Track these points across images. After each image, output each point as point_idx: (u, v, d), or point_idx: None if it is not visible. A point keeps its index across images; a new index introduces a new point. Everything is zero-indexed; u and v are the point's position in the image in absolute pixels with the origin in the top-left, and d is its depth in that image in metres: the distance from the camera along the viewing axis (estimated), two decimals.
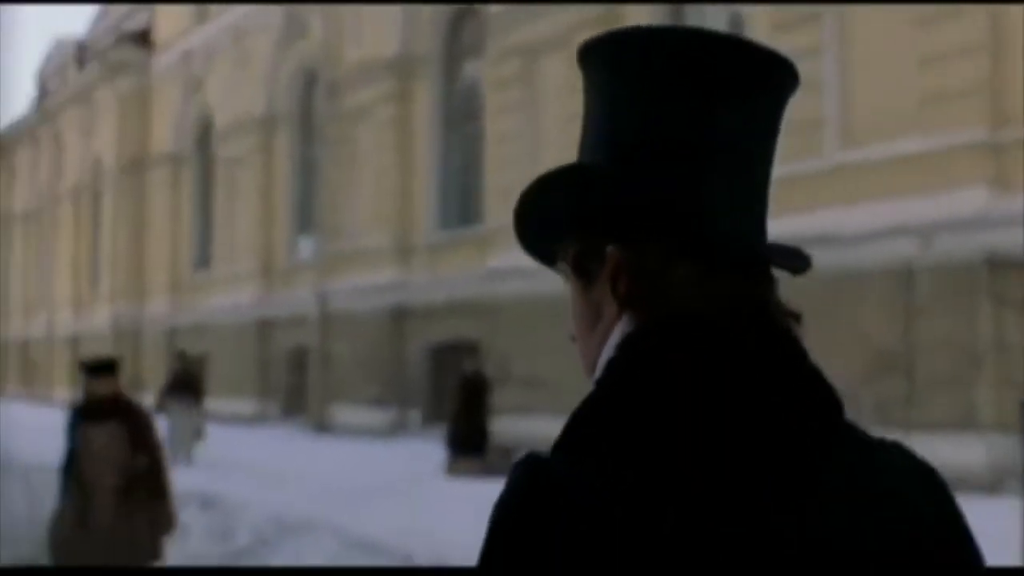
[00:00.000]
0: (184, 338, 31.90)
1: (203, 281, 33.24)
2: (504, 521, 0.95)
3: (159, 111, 36.65)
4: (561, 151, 18.39)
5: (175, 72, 35.37)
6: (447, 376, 20.79)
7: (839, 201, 13.84)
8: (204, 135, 34.17)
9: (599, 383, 1.03)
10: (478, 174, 22.06)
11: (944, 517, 1.05)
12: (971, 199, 12.60)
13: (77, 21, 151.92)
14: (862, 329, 13.42)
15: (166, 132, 36.02)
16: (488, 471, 14.08)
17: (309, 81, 28.64)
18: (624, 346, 1.01)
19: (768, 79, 1.06)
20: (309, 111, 28.68)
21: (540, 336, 18.49)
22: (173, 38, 35.65)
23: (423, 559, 9.37)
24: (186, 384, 18.80)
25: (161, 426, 10.82)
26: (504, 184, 19.55)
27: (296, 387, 26.86)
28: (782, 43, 10.89)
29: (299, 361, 26.81)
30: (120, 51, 37.97)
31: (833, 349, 13.57)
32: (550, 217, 1.09)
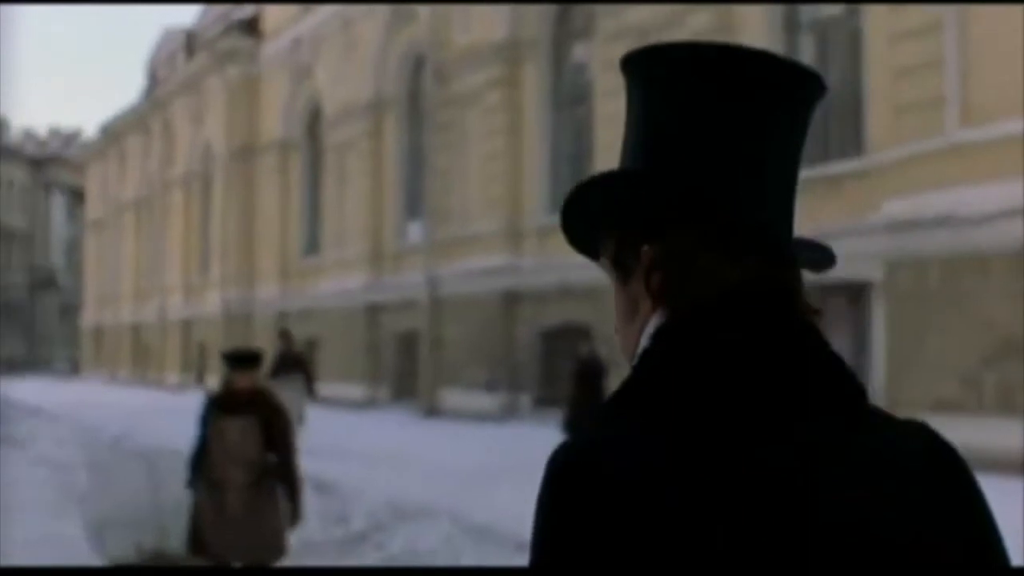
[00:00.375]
0: (293, 323, 32.46)
1: (312, 266, 33.83)
2: (549, 507, 1.01)
3: (268, 98, 37.37)
4: None
5: (283, 59, 36.02)
6: (557, 360, 20.96)
7: (960, 180, 13.71)
8: (313, 121, 34.80)
9: (634, 370, 1.09)
10: (587, 157, 22.16)
11: (963, 497, 1.11)
12: None
13: (186, 11, 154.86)
14: (984, 312, 13.30)
15: (275, 119, 36.71)
16: None
17: (417, 66, 28.95)
18: (657, 337, 1.09)
19: (795, 90, 1.14)
20: (417, 96, 29.01)
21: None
22: (281, 26, 36.29)
23: None
24: (293, 364, 18.27)
25: None
26: (613, 166, 19.67)
27: (406, 371, 27.21)
28: (903, 22, 10.96)
29: (409, 345, 27.21)
30: (229, 40, 38.77)
31: (954, 332, 13.60)
32: (590, 217, 1.18)
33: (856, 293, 16.25)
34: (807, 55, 18.10)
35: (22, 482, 14.44)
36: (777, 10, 18.31)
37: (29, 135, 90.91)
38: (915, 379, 14.20)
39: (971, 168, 13.61)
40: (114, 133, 53.60)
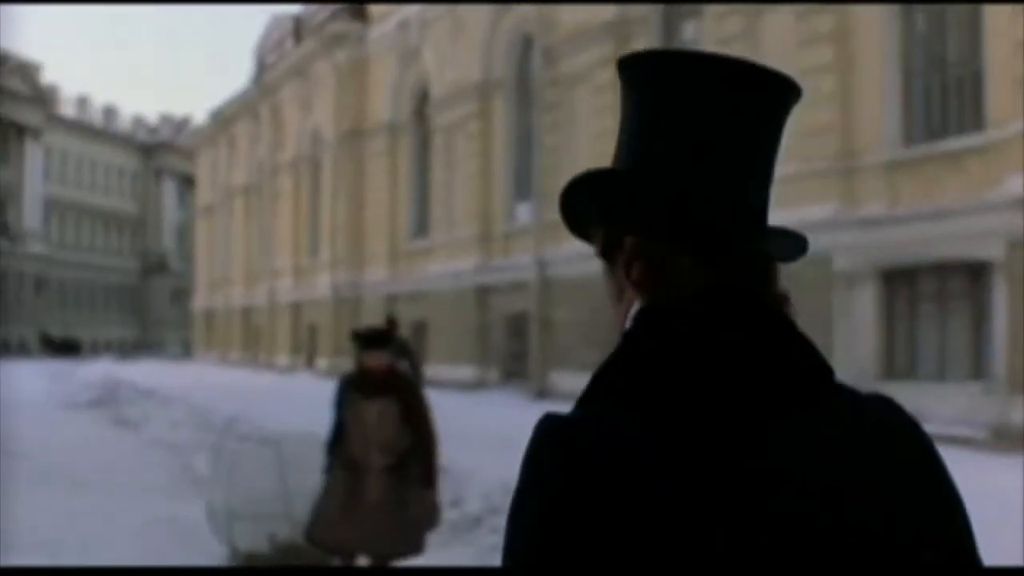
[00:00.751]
0: (402, 305, 32.87)
1: (421, 249, 34.17)
2: (531, 473, 1.11)
3: (375, 82, 37.81)
4: None
5: (391, 42, 36.40)
6: None
7: None
8: (420, 104, 35.13)
9: (617, 348, 1.19)
10: None
11: (927, 467, 1.20)
12: None
13: None
14: None
15: (383, 102, 37.13)
16: None
17: (525, 46, 29.09)
18: (636, 320, 1.20)
19: (769, 96, 1.23)
20: (525, 76, 29.15)
21: None
22: (388, 9, 36.66)
23: None
24: (399, 351, 18.12)
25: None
26: None
27: (516, 353, 27.41)
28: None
29: (518, 327, 27.43)
30: (337, 24, 39.23)
31: None
32: (581, 211, 1.28)
33: (976, 272, 16.06)
34: (922, 30, 17.90)
35: (137, 464, 14.96)
36: None
37: (140, 122, 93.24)
38: None
39: None
40: (224, 119, 54.65)
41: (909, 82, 18.05)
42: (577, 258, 24.39)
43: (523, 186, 28.38)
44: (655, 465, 1.06)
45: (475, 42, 30.69)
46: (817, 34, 18.70)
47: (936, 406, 14.29)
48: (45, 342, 73.56)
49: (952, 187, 16.35)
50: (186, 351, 67.76)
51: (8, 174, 75.20)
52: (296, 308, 43.00)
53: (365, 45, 38.48)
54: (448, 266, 31.18)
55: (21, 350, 70.82)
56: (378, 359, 6.84)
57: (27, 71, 76.81)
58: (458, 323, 29.66)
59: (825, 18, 18.69)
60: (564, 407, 1.20)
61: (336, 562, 7.04)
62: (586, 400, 1.16)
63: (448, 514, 10.98)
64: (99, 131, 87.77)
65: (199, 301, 59.90)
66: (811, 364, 1.21)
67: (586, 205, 1.26)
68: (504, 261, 28.51)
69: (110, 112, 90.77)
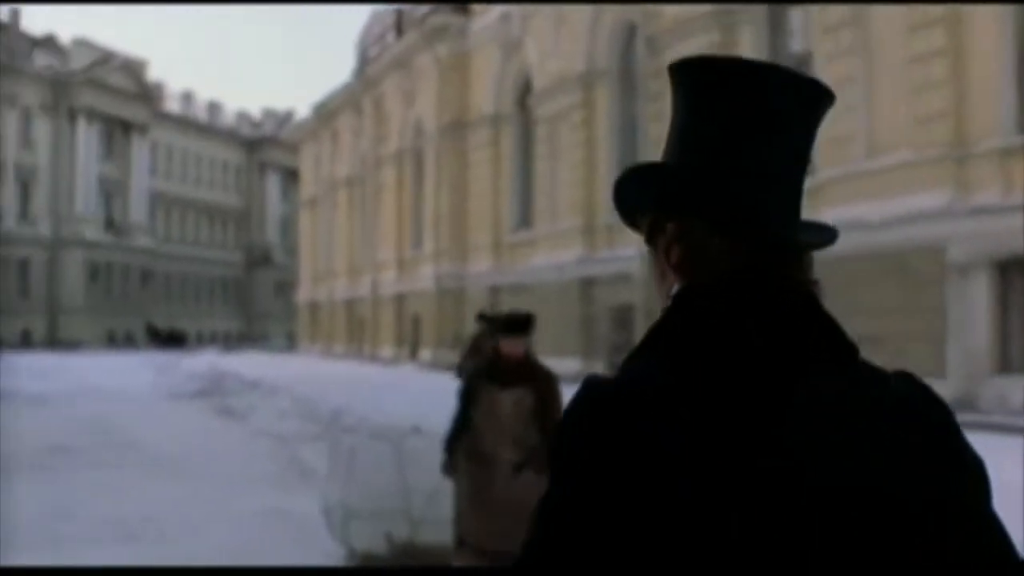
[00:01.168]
0: (506, 297, 33.06)
1: (524, 240, 34.37)
2: (573, 428, 1.23)
3: (478, 73, 38.14)
4: (898, 94, 18.21)
5: (493, 34, 36.69)
6: None
7: None
8: (523, 95, 35.33)
9: (657, 323, 1.31)
10: None
11: (949, 440, 1.29)
12: None
13: None
14: None
15: (485, 94, 37.46)
16: None
17: (628, 36, 29.15)
18: (675, 299, 1.31)
19: (803, 99, 1.34)
20: (629, 66, 29.21)
21: (879, 292, 18.33)
22: (490, 1, 36.91)
23: None
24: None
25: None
26: (838, 133, 19.43)
27: (620, 345, 27.35)
28: None
29: (623, 319, 27.44)
30: (438, 17, 39.63)
31: None
32: (631, 201, 1.40)
33: None
34: None
35: (243, 454, 15.04)
36: None
37: (244, 117, 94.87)
38: None
39: None
40: (326, 113, 55.41)
41: (1023, 67, 17.78)
42: None
43: None
44: (677, 446, 1.17)
45: (578, 32, 30.78)
46: (928, 19, 18.45)
47: None
48: (151, 334, 75.29)
49: None
50: (290, 343, 68.83)
51: (115, 170, 77.16)
52: (399, 300, 43.43)
53: (467, 37, 38.78)
54: (552, 258, 31.27)
55: (128, 342, 72.72)
56: (516, 346, 6.41)
57: (133, 68, 78.71)
58: (562, 315, 29.63)
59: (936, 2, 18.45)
60: None
61: (460, 561, 6.57)
62: (625, 365, 1.28)
63: None
64: (204, 126, 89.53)
65: (303, 293, 60.77)
66: (834, 342, 1.29)
67: (635, 196, 1.38)
68: (608, 252, 28.51)
69: (214, 107, 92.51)
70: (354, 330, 49.87)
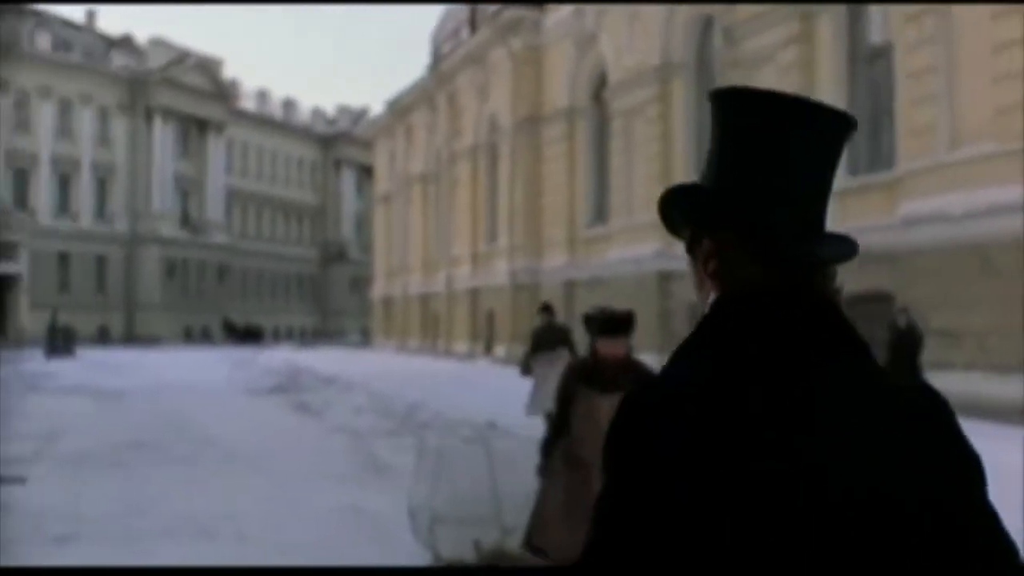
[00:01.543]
0: (581, 292, 33.11)
1: (600, 235, 34.36)
2: (611, 430, 1.43)
3: (552, 67, 38.20)
4: (980, 84, 17.94)
5: (567, 28, 36.74)
6: (858, 328, 20.65)
7: None
8: (598, 89, 35.34)
9: (697, 327, 1.49)
10: (887, 115, 21.78)
11: (948, 437, 1.42)
12: None
13: None
14: None
15: (560, 88, 37.48)
16: None
17: (705, 28, 29.06)
18: (712, 307, 1.49)
19: (828, 128, 1.51)
20: (705, 58, 29.14)
21: (962, 287, 18.12)
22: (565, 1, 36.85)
23: None
24: (556, 340, 16.89)
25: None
26: (919, 123, 19.27)
27: None
28: None
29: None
30: (512, 11, 39.71)
31: None
32: (673, 216, 1.57)
33: None
34: None
35: (319, 450, 15.14)
36: None
37: (318, 114, 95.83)
38: None
39: None
40: (400, 109, 55.74)
41: None
42: None
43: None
44: (675, 445, 1.35)
45: (653, 25, 30.74)
46: (1011, 7, 18.18)
47: None
48: (228, 329, 76.37)
49: None
50: (365, 339, 69.42)
51: (191, 167, 78.40)
52: (474, 295, 43.64)
53: (541, 32, 38.86)
54: (627, 252, 31.19)
55: (204, 337, 73.85)
56: (615, 347, 6.10)
57: (209, 67, 79.88)
58: (638, 310, 29.06)
59: None
60: None
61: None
62: (664, 368, 1.49)
63: None
64: (279, 124, 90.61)
65: (377, 289, 61.16)
66: (845, 347, 1.46)
67: (677, 211, 1.56)
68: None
69: (289, 105, 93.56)
70: (428, 326, 50.18)
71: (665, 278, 29.10)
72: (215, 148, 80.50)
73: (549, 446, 6.46)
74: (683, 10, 29.54)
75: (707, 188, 1.52)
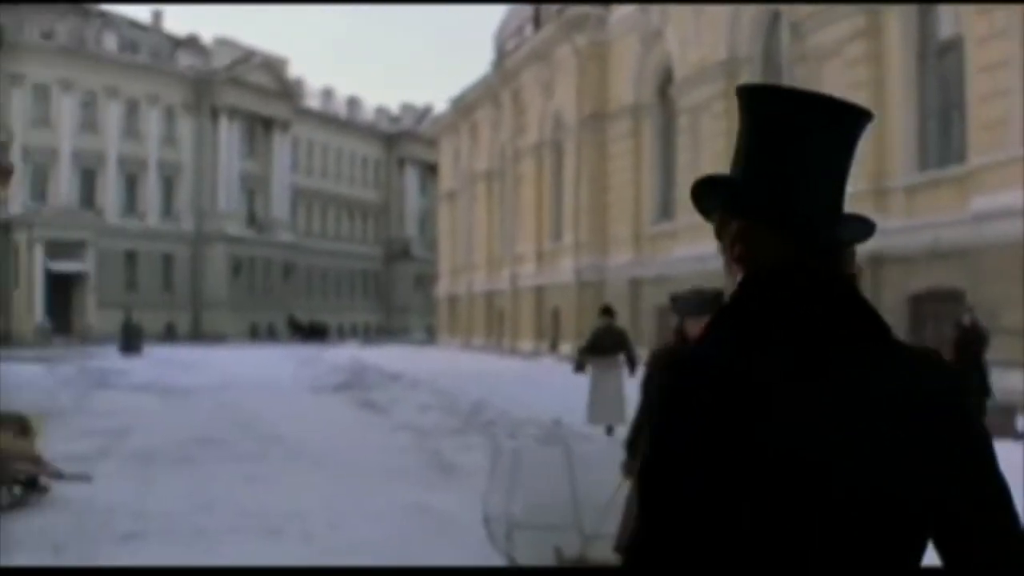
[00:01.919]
0: (647, 289, 33.15)
1: (666, 232, 34.32)
2: (666, 387, 1.57)
3: (617, 64, 38.23)
4: None
5: (632, 24, 36.78)
6: (926, 326, 20.47)
7: None
8: (664, 85, 35.37)
9: (725, 306, 1.61)
10: (957, 109, 21.63)
11: (958, 417, 1.54)
12: None
13: None
14: None
15: (625, 84, 37.52)
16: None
17: (772, 22, 28.97)
18: (739, 287, 1.61)
19: (844, 122, 1.64)
20: (772, 53, 29.05)
21: None
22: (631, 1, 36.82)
23: None
24: (614, 343, 16.63)
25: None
26: (991, 117, 19.13)
27: None
28: None
29: None
30: (577, 8, 39.83)
31: None
32: (705, 203, 1.71)
33: None
34: None
35: (385, 447, 15.22)
36: None
37: (382, 112, 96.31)
38: None
39: None
40: (464, 106, 56.10)
41: None
42: None
43: None
44: (745, 378, 1.50)
45: (719, 21, 30.70)
46: None
47: None
48: (293, 327, 76.99)
49: None
50: (430, 336, 69.82)
51: (257, 166, 79.14)
52: (539, 293, 43.75)
53: (606, 28, 38.90)
54: (693, 249, 30.92)
55: (270, 335, 74.59)
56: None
57: (274, 66, 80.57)
58: None
59: None
60: None
61: None
62: (695, 343, 1.63)
63: None
64: (343, 122, 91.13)
65: (442, 287, 61.58)
66: (868, 323, 1.57)
67: (706, 200, 1.70)
68: None
69: (353, 103, 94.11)
70: (493, 323, 50.41)
71: None
72: (280, 147, 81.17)
73: (634, 440, 6.32)
74: (749, 5, 29.44)
75: (732, 178, 1.67)
